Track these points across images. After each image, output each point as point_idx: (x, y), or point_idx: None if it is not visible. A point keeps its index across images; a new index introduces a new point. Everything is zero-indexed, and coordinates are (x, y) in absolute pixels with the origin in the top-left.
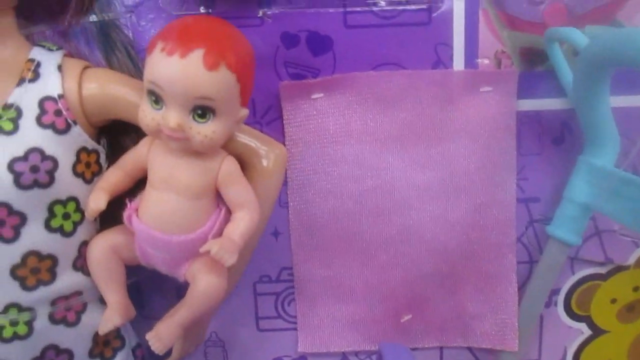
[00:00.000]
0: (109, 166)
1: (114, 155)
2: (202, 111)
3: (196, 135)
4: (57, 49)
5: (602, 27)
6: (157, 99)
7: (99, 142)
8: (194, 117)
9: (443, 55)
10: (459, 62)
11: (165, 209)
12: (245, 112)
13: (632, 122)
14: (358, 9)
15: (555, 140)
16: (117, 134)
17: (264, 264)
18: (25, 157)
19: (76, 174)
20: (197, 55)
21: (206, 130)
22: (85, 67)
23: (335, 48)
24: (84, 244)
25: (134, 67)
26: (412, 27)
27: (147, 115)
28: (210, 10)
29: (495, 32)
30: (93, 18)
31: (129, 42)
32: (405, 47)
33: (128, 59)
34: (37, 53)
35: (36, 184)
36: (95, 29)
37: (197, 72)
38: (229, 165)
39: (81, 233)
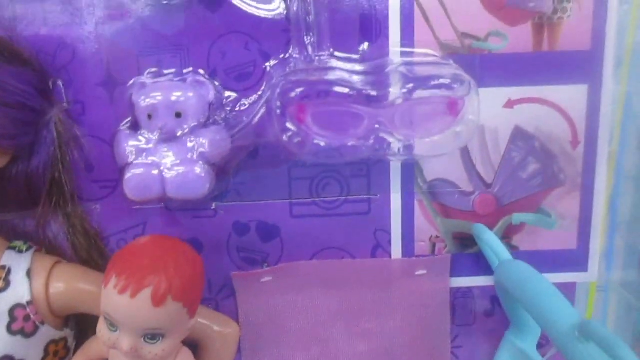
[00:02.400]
0: (77, 344)
1: (82, 333)
2: (152, 335)
3: (148, 354)
4: (27, 249)
5: (528, 215)
6: (112, 324)
7: (67, 326)
8: (145, 340)
9: (382, 240)
10: (396, 246)
11: None
12: (193, 321)
13: None
14: (303, 200)
15: (486, 312)
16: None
17: None
18: None
19: None
20: (145, 294)
21: (157, 350)
22: (55, 264)
23: (282, 235)
24: None
25: (100, 257)
26: (353, 216)
27: (104, 335)
28: (167, 205)
29: (430, 219)
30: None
31: (94, 232)
32: (347, 233)
33: (94, 248)
34: (8, 258)
35: None
36: (62, 218)
37: (146, 309)
38: (183, 358)
39: None
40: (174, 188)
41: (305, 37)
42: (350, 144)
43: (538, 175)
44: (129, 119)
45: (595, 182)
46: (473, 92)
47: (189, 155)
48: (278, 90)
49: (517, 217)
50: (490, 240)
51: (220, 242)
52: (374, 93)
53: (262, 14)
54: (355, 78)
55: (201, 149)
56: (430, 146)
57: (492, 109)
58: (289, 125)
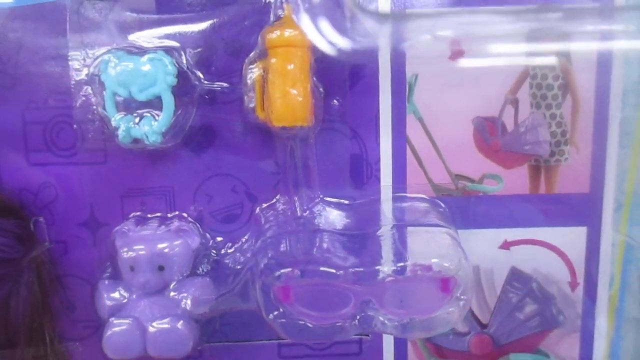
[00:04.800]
0: None
1: None
2: None
3: None
4: None
5: (525, 355)
6: None
7: None
8: None
9: None
10: None
11: None
12: None
13: None
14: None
15: None
16: None
17: None
18: None
19: None
20: None
21: None
22: None
23: None
24: None
25: None
26: (343, 357)
27: None
28: None
29: None
30: None
31: None
32: None
33: None
34: None
35: None
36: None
37: None
38: None
39: None
40: (155, 347)
41: (294, 195)
42: (337, 324)
43: (536, 316)
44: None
45: (595, 325)
46: (465, 268)
47: (172, 312)
48: (261, 266)
49: (515, 358)
50: None
51: None
52: (361, 270)
53: (248, 157)
54: (340, 247)
55: (185, 305)
56: (421, 326)
57: (487, 250)
58: (273, 304)
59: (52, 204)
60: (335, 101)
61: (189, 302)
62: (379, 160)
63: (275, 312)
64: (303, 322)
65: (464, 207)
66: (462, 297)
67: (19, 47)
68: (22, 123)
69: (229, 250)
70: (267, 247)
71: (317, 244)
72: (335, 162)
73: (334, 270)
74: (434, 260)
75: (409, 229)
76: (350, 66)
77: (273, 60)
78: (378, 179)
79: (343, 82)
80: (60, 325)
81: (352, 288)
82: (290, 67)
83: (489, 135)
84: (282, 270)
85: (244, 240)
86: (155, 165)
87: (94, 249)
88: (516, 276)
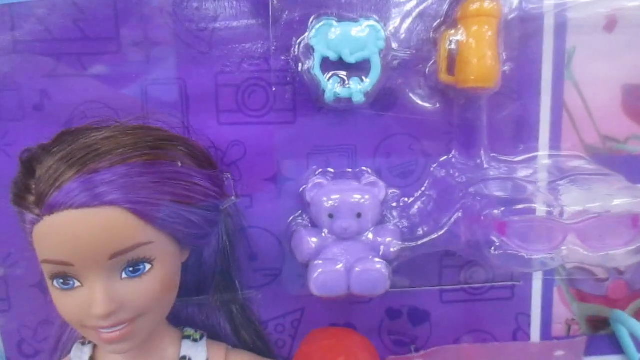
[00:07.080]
0: None
1: None
2: None
3: None
4: (200, 337)
5: None
6: None
7: None
8: None
9: (522, 323)
10: (535, 329)
11: None
12: None
13: None
14: (452, 287)
15: None
16: None
17: None
18: None
19: None
20: None
21: None
22: (227, 351)
23: (432, 320)
24: None
25: (264, 346)
26: (497, 301)
27: None
28: None
29: (566, 304)
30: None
31: (255, 318)
32: (491, 317)
33: (256, 335)
34: (186, 348)
35: None
36: (226, 305)
37: None
38: None
39: None
40: (360, 285)
41: (480, 149)
42: (547, 256)
43: None
44: (297, 213)
45: None
46: None
47: (370, 255)
48: (477, 207)
49: None
50: (630, 326)
51: (372, 326)
52: (567, 209)
53: (426, 118)
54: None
55: (383, 248)
56: (617, 258)
57: None
58: (493, 239)
59: (240, 161)
60: (506, 67)
61: (387, 245)
62: (538, 122)
63: (494, 247)
64: (517, 254)
65: (610, 166)
66: None
67: (215, 17)
68: (215, 86)
69: (408, 201)
70: (477, 192)
71: (518, 187)
72: (502, 123)
73: (545, 207)
74: (627, 199)
75: (588, 177)
76: (519, 36)
77: (474, 27)
78: (537, 139)
79: (513, 50)
80: (243, 274)
81: (559, 224)
82: (489, 33)
83: (636, 100)
84: (501, 209)
85: (420, 192)
86: (340, 125)
87: (279, 202)
88: None
